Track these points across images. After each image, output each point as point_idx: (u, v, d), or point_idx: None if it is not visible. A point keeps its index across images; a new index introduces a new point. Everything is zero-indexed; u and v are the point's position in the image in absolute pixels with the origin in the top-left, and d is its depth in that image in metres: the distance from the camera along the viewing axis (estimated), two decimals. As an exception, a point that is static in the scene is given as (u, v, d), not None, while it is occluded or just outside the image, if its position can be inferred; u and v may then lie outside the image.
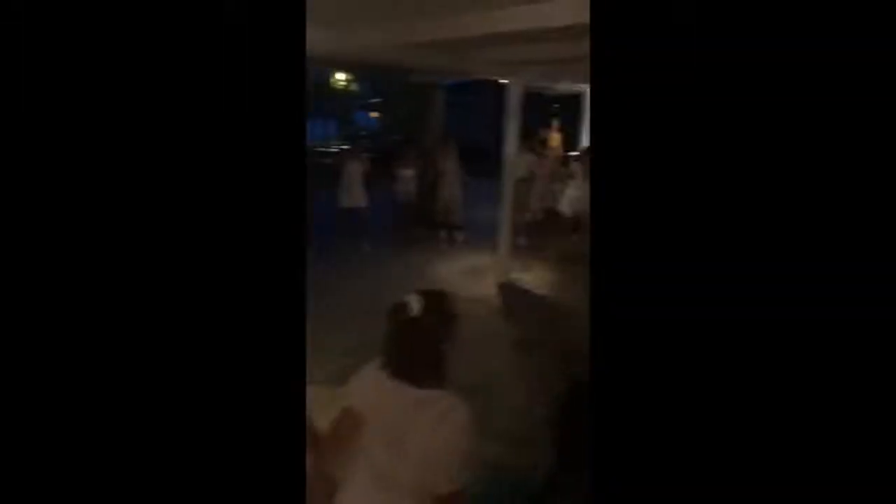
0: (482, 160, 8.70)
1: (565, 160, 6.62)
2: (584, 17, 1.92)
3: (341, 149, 12.85)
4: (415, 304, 1.04)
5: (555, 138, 6.99)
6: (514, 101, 4.51)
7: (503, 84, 4.78)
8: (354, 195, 5.45)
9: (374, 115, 21.00)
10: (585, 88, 6.32)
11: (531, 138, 6.00)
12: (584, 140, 6.54)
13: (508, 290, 4.56)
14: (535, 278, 4.84)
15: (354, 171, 5.43)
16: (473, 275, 4.87)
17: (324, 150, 13.64)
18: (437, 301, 1.08)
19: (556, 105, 10.24)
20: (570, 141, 7.27)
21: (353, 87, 19.74)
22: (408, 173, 5.78)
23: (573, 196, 5.10)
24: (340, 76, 17.53)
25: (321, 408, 1.22)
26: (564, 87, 6.53)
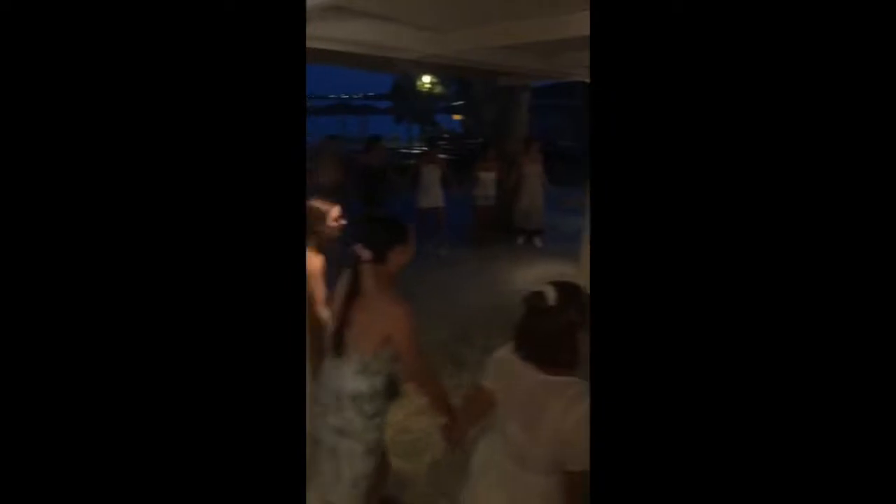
0: (567, 164, 8.46)
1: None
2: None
3: (422, 150, 13.17)
4: (551, 294, 1.10)
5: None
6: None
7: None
8: (432, 196, 5.48)
9: (456, 117, 21.21)
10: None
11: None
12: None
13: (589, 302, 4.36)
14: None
15: (432, 172, 5.47)
16: (552, 283, 4.71)
17: (406, 151, 13.97)
18: (572, 292, 1.13)
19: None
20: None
21: (438, 89, 20.05)
22: (489, 176, 5.72)
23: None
24: (426, 79, 17.85)
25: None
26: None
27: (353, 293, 1.40)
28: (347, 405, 1.42)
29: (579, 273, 4.72)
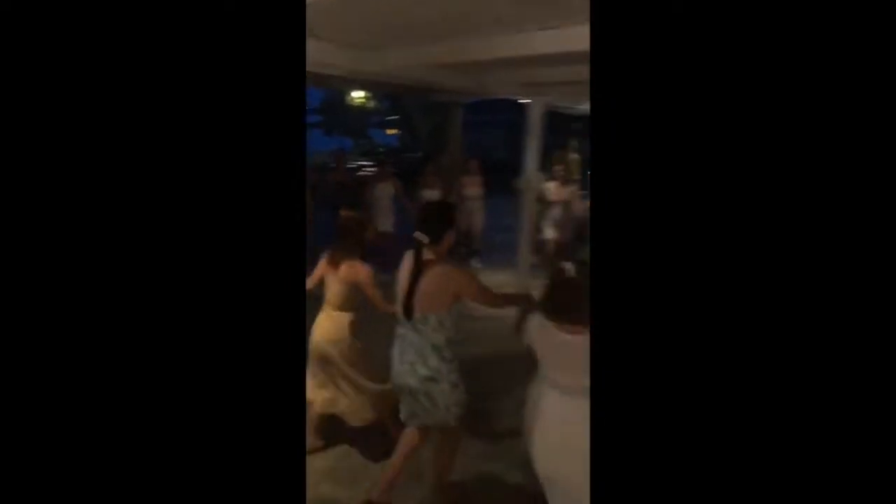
0: (501, 176, 8.71)
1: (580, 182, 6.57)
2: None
3: (359, 165, 12.96)
4: (569, 268, 1.52)
5: (573, 160, 6.94)
6: (534, 121, 4.51)
7: (523, 103, 4.79)
8: (385, 219, 5.09)
9: (391, 131, 21.17)
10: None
11: (550, 159, 5.95)
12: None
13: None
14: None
15: (384, 193, 5.14)
16: (491, 294, 4.81)
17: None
18: (581, 269, 1.43)
19: (579, 124, 10.21)
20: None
21: (370, 104, 19.99)
22: (433, 194, 5.56)
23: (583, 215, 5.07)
24: (357, 94, 17.77)
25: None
26: (585, 107, 6.52)
27: (418, 269, 1.76)
28: (430, 355, 1.78)
29: (516, 282, 4.87)
